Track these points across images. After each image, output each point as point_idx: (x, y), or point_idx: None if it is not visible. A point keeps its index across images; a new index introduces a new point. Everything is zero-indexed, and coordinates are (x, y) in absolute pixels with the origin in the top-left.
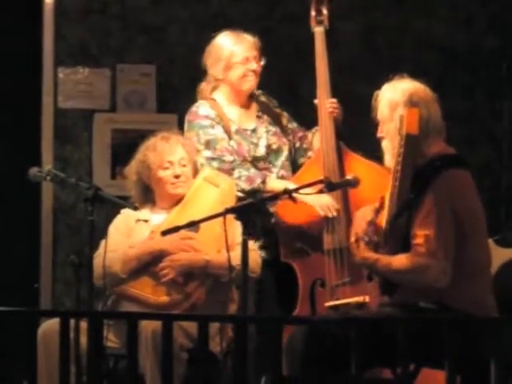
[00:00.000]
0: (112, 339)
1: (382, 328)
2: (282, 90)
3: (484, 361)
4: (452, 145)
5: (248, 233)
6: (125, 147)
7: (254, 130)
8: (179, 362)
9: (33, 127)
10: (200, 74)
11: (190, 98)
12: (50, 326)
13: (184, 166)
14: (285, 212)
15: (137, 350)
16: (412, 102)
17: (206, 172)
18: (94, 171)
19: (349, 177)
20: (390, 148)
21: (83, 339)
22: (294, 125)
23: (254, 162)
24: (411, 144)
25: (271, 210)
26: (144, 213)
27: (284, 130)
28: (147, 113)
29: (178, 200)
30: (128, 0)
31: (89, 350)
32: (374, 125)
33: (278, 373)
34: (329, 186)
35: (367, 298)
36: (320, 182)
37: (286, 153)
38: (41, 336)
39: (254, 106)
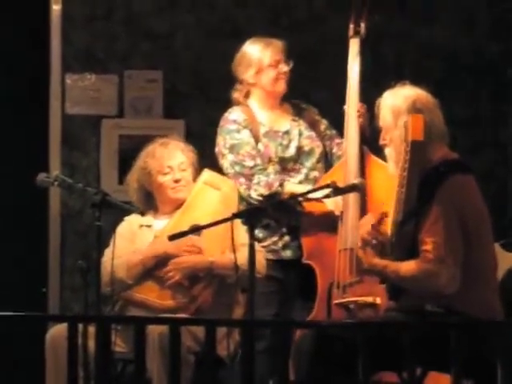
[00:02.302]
0: (120, 344)
1: (389, 332)
2: (289, 96)
3: (491, 364)
4: (457, 150)
5: (254, 237)
6: (132, 153)
7: (286, 132)
8: (186, 365)
9: (40, 133)
10: (206, 79)
11: (197, 103)
12: (58, 331)
13: (184, 170)
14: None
15: (144, 354)
16: (415, 109)
17: (206, 175)
18: (101, 177)
19: (355, 181)
20: (394, 155)
21: (91, 344)
22: (332, 132)
23: (282, 163)
24: (417, 150)
25: (298, 208)
26: (147, 218)
27: (321, 136)
28: (154, 118)
29: (179, 204)
30: (134, 6)
31: (97, 355)
32: (378, 131)
33: (285, 377)
34: (335, 191)
35: (378, 300)
36: (326, 186)
37: (317, 155)
38: (49, 341)
39: (289, 111)
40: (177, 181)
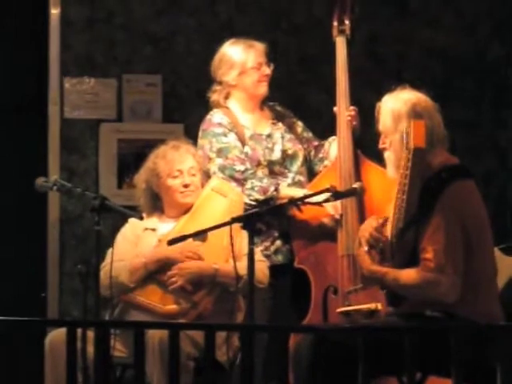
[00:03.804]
0: (119, 348)
1: (388, 336)
2: (289, 100)
3: (491, 368)
4: (457, 154)
5: (254, 241)
6: (131, 157)
7: (269, 135)
8: (186, 371)
9: (39, 137)
10: (206, 83)
11: (196, 107)
12: (57, 336)
13: (193, 175)
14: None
15: (144, 359)
16: (416, 113)
17: (214, 182)
18: (100, 181)
19: (355, 185)
20: (393, 159)
21: (90, 348)
22: (309, 134)
23: (270, 165)
24: (419, 157)
25: (288, 213)
26: (152, 221)
27: (299, 139)
28: (153, 123)
29: (186, 209)
30: (133, 10)
31: (96, 360)
32: (378, 134)
33: (285, 381)
34: (335, 195)
35: (379, 306)
36: (326, 190)
37: (301, 159)
38: (48, 345)
39: (269, 114)
40: (186, 185)
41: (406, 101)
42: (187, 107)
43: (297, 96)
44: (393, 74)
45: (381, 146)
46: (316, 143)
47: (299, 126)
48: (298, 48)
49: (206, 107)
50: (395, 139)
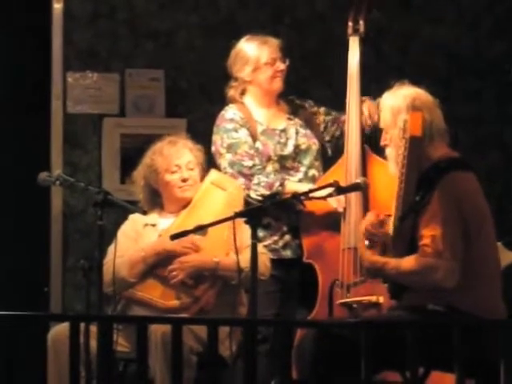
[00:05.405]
0: (122, 343)
1: (391, 331)
2: (292, 95)
3: (493, 363)
4: (460, 150)
5: (256, 236)
6: (134, 152)
7: (283, 130)
8: (189, 365)
9: (42, 132)
10: (208, 78)
11: (199, 102)
12: (59, 330)
13: (191, 169)
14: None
15: (146, 353)
16: (414, 107)
17: (213, 175)
18: (103, 176)
19: (358, 180)
20: (394, 155)
21: (93, 343)
22: (332, 114)
23: (282, 160)
24: (415, 146)
25: (298, 208)
26: (152, 217)
27: (323, 128)
28: (156, 117)
29: (185, 204)
30: (136, 5)
31: (99, 354)
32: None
33: (288, 376)
34: (338, 190)
35: (381, 299)
36: (329, 185)
37: (315, 153)
38: (51, 340)
39: (285, 109)
40: (184, 180)
41: (405, 96)
42: (190, 102)
43: (301, 91)
44: (395, 70)
45: (382, 142)
46: (344, 117)
47: (321, 113)
48: (301, 43)
49: (208, 102)
50: (395, 134)
